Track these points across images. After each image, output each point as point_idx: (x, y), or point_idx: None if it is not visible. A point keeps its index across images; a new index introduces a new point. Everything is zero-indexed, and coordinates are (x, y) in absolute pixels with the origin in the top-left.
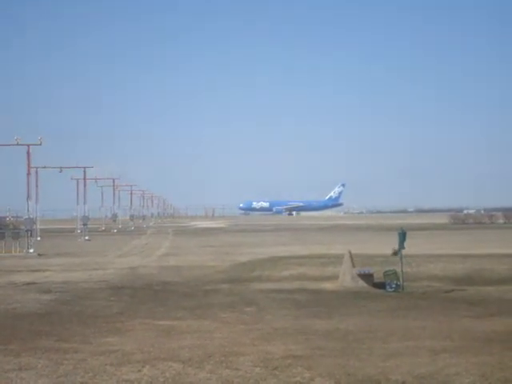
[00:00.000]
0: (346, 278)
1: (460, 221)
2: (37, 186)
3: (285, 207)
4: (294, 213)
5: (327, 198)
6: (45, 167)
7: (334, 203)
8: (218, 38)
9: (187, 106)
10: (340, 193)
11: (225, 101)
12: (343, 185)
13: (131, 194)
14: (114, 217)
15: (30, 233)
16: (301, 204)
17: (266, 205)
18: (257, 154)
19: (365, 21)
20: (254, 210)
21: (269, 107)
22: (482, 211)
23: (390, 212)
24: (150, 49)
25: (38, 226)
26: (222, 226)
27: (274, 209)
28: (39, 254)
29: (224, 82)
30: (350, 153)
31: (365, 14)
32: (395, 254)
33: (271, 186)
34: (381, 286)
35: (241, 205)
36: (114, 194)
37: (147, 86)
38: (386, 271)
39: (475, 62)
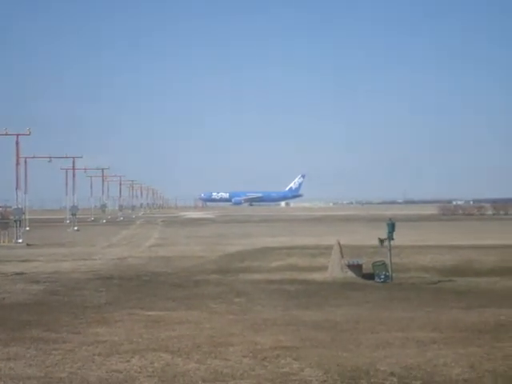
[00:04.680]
0: (335, 269)
1: (449, 212)
2: (26, 176)
3: (244, 198)
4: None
5: (287, 188)
6: (34, 157)
7: (294, 194)
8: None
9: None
10: (300, 184)
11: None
12: (303, 176)
13: (120, 184)
14: (103, 207)
15: (18, 223)
16: (260, 195)
17: (225, 195)
18: (252, 143)
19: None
20: (214, 200)
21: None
22: (471, 202)
23: (380, 203)
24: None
25: (27, 216)
26: (211, 216)
27: (233, 199)
28: (28, 244)
29: (203, 74)
30: (338, 144)
31: None
32: (382, 242)
33: (264, 176)
34: (370, 276)
35: (202, 195)
36: (103, 184)
37: (137, 78)
38: (374, 262)
39: (466, 53)
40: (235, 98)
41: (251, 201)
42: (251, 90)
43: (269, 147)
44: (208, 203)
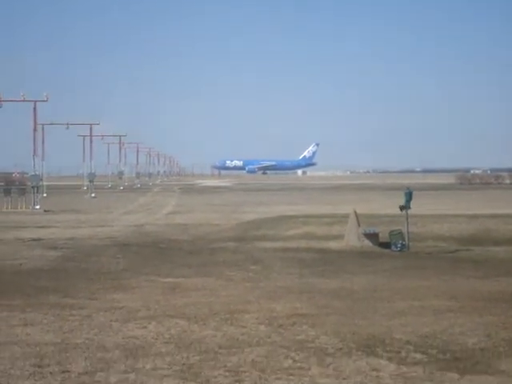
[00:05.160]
0: (352, 238)
1: (467, 181)
2: (43, 143)
3: (257, 166)
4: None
5: (301, 157)
6: (51, 124)
7: (308, 163)
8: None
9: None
10: (314, 152)
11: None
12: (317, 144)
13: (137, 151)
14: (120, 174)
15: (36, 189)
16: (273, 163)
17: (239, 163)
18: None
19: None
20: (228, 168)
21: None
22: (489, 171)
23: (397, 172)
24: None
25: (44, 183)
26: (228, 184)
27: (247, 168)
28: (45, 211)
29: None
30: (353, 111)
31: None
32: (402, 208)
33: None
34: (386, 245)
35: (216, 163)
36: (120, 151)
37: (154, 43)
38: (391, 231)
39: (481, 15)
40: (250, 64)
41: (265, 169)
42: (267, 56)
43: (284, 115)
44: (222, 171)
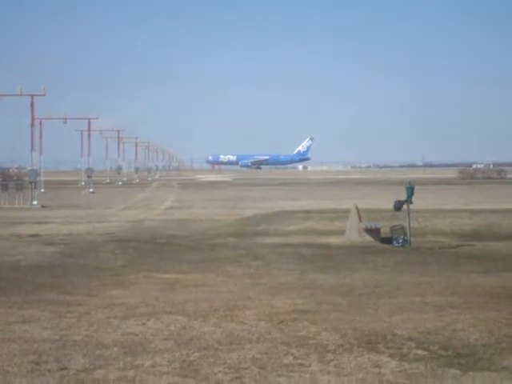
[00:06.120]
0: (353, 233)
1: (469, 175)
2: (41, 138)
3: (251, 161)
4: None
5: (295, 152)
6: (49, 118)
7: (302, 157)
8: None
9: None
10: (308, 147)
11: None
12: (312, 139)
13: (136, 146)
14: (119, 169)
15: (33, 184)
16: (267, 157)
17: (232, 158)
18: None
19: None
20: (222, 163)
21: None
22: (491, 166)
23: (398, 166)
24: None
25: (42, 178)
26: (227, 179)
27: (240, 162)
28: (43, 206)
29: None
30: (356, 105)
31: None
32: (398, 208)
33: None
34: (388, 240)
35: (209, 157)
36: (118, 146)
37: (153, 36)
38: (392, 226)
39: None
40: (247, 58)
41: (258, 163)
42: (263, 50)
43: (279, 109)
44: (221, 166)
